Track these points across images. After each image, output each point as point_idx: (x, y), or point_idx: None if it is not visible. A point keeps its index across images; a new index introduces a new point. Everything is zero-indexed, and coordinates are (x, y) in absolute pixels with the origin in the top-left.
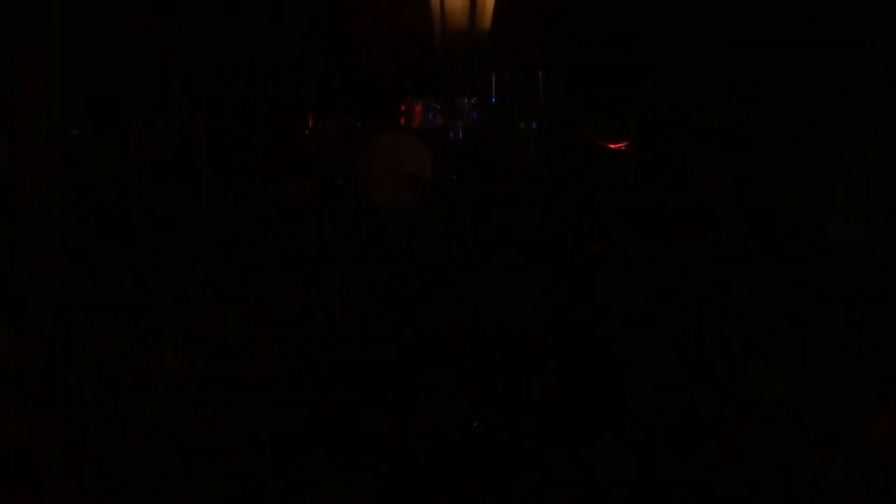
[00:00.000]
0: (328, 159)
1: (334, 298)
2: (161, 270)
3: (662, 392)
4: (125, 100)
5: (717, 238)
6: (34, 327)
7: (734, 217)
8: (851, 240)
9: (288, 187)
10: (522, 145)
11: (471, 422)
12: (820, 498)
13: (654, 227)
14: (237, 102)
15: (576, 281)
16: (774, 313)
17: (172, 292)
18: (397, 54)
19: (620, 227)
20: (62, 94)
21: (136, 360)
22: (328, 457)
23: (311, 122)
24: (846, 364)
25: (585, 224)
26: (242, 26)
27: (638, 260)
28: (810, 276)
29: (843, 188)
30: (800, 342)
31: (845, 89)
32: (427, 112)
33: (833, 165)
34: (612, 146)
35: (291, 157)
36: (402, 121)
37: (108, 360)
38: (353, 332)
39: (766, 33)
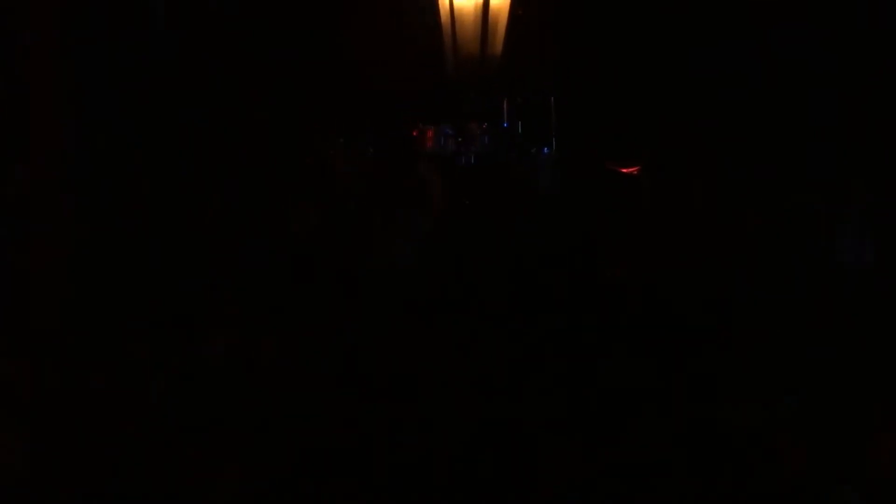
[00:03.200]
0: (339, 184)
1: (341, 320)
2: (164, 289)
3: (672, 411)
4: (131, 115)
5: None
6: (38, 346)
7: (744, 236)
8: (860, 261)
9: (298, 211)
10: (534, 169)
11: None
12: None
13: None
14: (248, 129)
15: (593, 304)
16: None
17: (176, 312)
18: (409, 80)
19: (636, 250)
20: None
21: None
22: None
23: (322, 148)
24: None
25: (600, 247)
26: (253, 50)
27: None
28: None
29: (853, 208)
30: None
31: (857, 110)
32: (439, 137)
33: (844, 187)
34: (625, 171)
35: (301, 182)
36: (415, 146)
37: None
38: (359, 355)
39: (778, 57)
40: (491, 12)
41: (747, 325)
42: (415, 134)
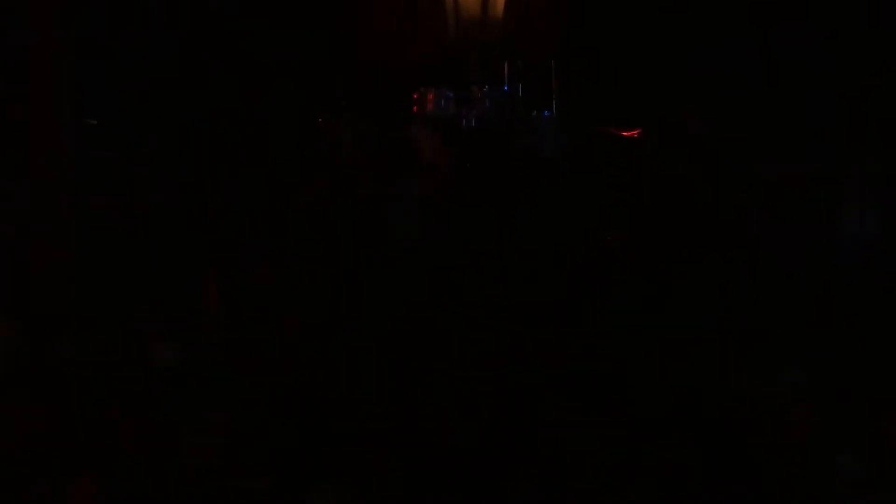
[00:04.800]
0: (342, 152)
1: (349, 293)
2: (168, 266)
3: (669, 382)
4: (136, 93)
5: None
6: (47, 320)
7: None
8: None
9: (301, 181)
10: (535, 133)
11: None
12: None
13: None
14: (250, 97)
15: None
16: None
17: (178, 288)
18: (411, 44)
19: (636, 215)
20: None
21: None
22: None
23: (324, 116)
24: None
25: (601, 211)
26: (253, 19)
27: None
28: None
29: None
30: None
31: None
32: (440, 101)
33: (844, 161)
34: (625, 133)
35: (304, 151)
36: (416, 109)
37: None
38: (366, 327)
39: (775, 29)
40: None
41: (749, 298)
42: (415, 97)
